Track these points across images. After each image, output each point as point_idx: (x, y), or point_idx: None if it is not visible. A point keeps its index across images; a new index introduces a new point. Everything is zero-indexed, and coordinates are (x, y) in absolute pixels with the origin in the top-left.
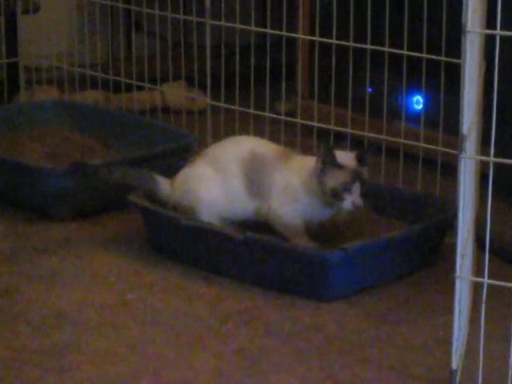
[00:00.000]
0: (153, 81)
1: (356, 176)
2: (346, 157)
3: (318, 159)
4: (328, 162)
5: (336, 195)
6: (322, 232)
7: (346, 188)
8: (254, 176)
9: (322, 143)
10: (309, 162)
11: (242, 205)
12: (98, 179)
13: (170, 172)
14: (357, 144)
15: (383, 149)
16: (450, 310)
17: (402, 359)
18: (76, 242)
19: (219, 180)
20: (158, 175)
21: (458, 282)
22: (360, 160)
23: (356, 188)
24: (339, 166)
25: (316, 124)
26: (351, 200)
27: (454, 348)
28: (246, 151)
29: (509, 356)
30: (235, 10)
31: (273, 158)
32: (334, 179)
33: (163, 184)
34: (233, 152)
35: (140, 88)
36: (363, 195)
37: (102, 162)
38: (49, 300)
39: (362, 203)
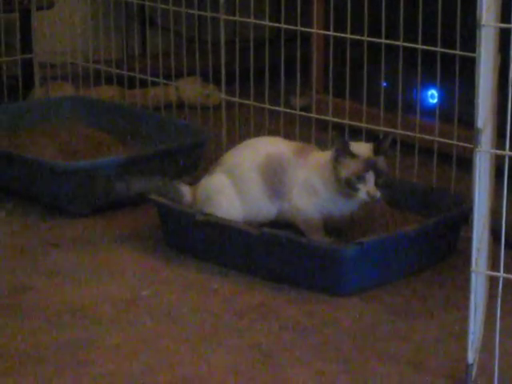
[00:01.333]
0: (167, 76)
1: (369, 165)
2: (361, 147)
3: (332, 150)
4: (342, 152)
5: (350, 185)
6: (340, 227)
7: (360, 177)
8: (273, 178)
9: (335, 133)
10: (326, 157)
11: (264, 209)
12: (116, 193)
13: (186, 168)
14: (372, 138)
15: (398, 143)
16: (465, 305)
17: (418, 353)
18: (91, 238)
19: (238, 189)
20: (180, 183)
21: (473, 277)
22: (376, 150)
23: (370, 177)
24: (352, 156)
25: (331, 118)
26: (366, 190)
27: (469, 342)
28: (262, 156)
29: None
30: (249, 5)
31: (290, 157)
32: (347, 168)
33: (185, 192)
34: (249, 159)
35: (155, 84)
36: (383, 186)
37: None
38: (64, 296)
39: (378, 194)
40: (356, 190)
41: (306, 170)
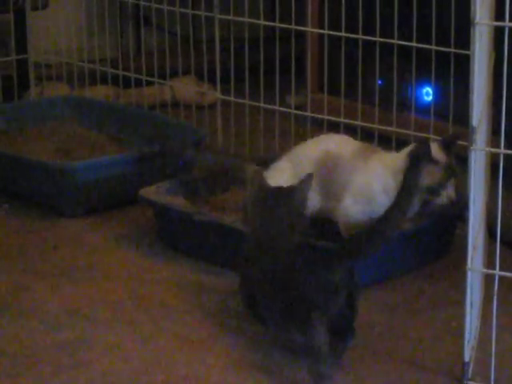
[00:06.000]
0: (162, 76)
1: (450, 171)
2: (437, 151)
3: (407, 155)
4: (422, 158)
5: (432, 193)
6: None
7: (442, 184)
8: (326, 176)
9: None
10: (390, 160)
11: (310, 201)
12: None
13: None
14: (367, 136)
15: (393, 140)
16: (462, 302)
17: (415, 351)
18: (88, 238)
19: (294, 174)
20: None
21: (469, 274)
22: (449, 152)
23: (452, 183)
24: (434, 162)
25: (326, 117)
26: (446, 194)
27: (466, 340)
28: (321, 151)
29: None
30: (244, 3)
31: (350, 159)
32: (430, 176)
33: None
34: (309, 150)
35: (150, 83)
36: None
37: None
38: (61, 296)
39: (456, 195)
40: (437, 196)
41: (364, 176)
